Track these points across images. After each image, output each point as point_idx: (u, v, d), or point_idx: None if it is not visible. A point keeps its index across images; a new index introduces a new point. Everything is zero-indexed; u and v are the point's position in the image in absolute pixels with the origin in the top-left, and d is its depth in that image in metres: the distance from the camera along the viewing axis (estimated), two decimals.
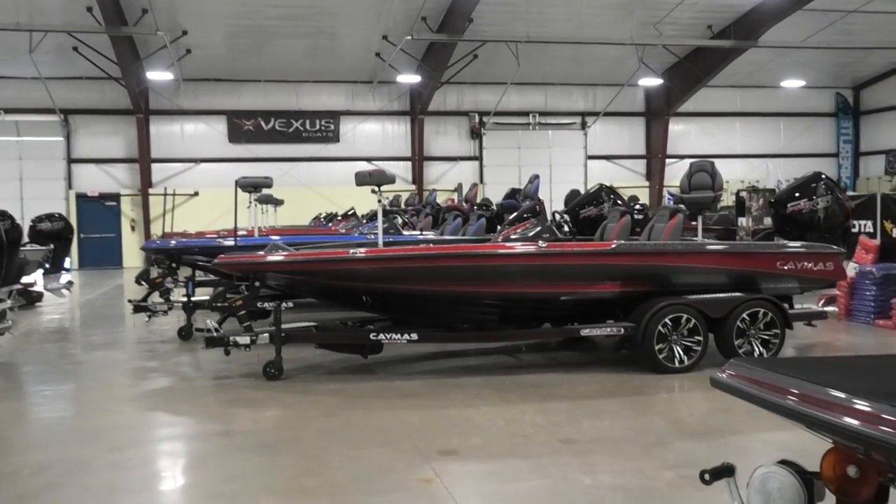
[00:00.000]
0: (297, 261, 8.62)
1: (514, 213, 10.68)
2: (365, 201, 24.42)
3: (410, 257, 8.64)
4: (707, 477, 2.95)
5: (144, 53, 24.27)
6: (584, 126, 30.59)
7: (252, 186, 11.81)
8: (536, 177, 14.19)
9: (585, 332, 8.90)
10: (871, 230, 12.35)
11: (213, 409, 7.84)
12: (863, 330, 11.55)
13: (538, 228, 9.57)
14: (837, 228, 10.40)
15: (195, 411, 7.78)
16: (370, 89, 28.46)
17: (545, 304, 9.29)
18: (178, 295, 12.61)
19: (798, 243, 9.53)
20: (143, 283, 12.14)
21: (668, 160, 30.99)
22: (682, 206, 10.12)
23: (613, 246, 8.95)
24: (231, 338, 8.74)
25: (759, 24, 24.64)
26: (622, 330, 8.81)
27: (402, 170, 28.85)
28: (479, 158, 29.76)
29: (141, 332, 12.51)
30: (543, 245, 8.77)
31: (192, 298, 11.59)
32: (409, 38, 22.94)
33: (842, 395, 2.34)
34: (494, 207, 16.51)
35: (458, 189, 24.94)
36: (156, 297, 12.17)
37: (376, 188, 9.15)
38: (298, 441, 6.60)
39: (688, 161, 31.22)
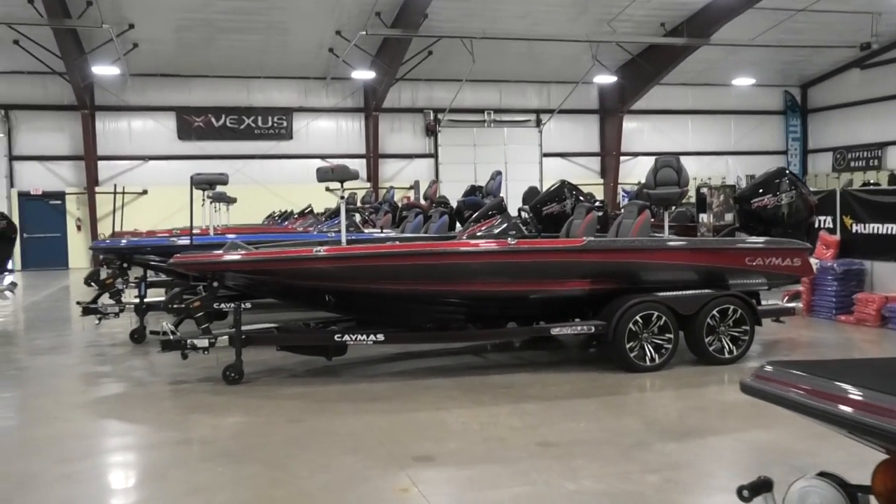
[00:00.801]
0: (259, 260, 8.28)
1: (479, 210, 10.46)
2: (319, 199, 24.22)
3: (376, 255, 8.36)
4: (746, 494, 2.71)
5: (89, 47, 23.49)
6: (538, 123, 30.52)
7: (207, 184, 11.41)
8: (499, 173, 14.00)
9: (556, 331, 8.72)
10: (831, 226, 12.41)
11: (170, 415, 7.47)
12: (825, 326, 11.59)
13: (504, 225, 9.36)
14: (801, 224, 10.39)
15: (151, 419, 7.39)
16: (323, 86, 27.99)
17: (513, 302, 9.09)
18: (130, 296, 12.15)
19: (763, 239, 9.48)
20: (92, 284, 11.63)
21: (622, 157, 31.09)
22: (646, 202, 9.99)
23: (584, 242, 8.77)
24: (188, 341, 8.37)
25: (712, 22, 24.81)
26: (593, 328, 8.64)
27: (357, 167, 28.19)
28: (434, 156, 29.48)
29: (91, 335, 12.00)
30: (513, 242, 8.56)
31: (145, 300, 11.16)
32: (364, 33, 22.58)
33: None
34: (453, 205, 16.32)
35: (415, 186, 24.67)
36: (106, 299, 11.67)
37: (339, 184, 8.86)
38: (264, 449, 6.28)
39: (642, 158, 31.71)
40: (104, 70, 24.28)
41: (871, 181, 25.17)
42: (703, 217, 13.98)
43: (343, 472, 5.67)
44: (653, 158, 32.63)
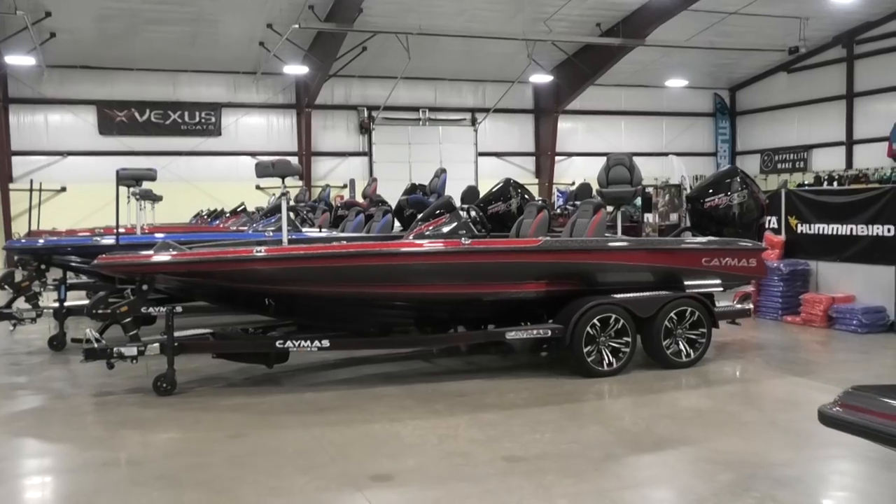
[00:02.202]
0: (193, 261, 7.65)
1: (426, 209, 9.98)
2: (249, 198, 23.38)
3: (322, 256, 7.83)
4: None
5: (2, 35, 22.16)
6: (474, 122, 30.25)
7: (133, 179, 10.65)
8: (443, 171, 13.56)
9: (511, 335, 8.30)
10: (776, 226, 12.34)
11: (96, 432, 6.78)
12: (772, 326, 11.49)
13: (454, 224, 8.92)
14: (753, 224, 10.21)
15: (75, 436, 6.69)
16: (254, 80, 27.10)
17: (465, 305, 8.67)
18: (48, 300, 11.29)
19: (719, 239, 9.27)
20: (5, 287, 10.75)
21: (556, 157, 31.03)
22: (600, 200, 9.68)
23: (541, 242, 8.40)
24: (115, 349, 7.69)
25: (647, 24, 24.88)
26: (549, 332, 8.27)
27: None
28: (368, 154, 28.90)
29: (4, 342, 11.09)
30: (466, 242, 8.13)
31: (65, 304, 10.35)
32: (296, 26, 21.84)
33: None
34: (391, 204, 15.82)
35: (350, 185, 24.05)
36: (21, 303, 10.78)
37: (279, 180, 8.28)
38: (204, 470, 5.70)
39: (576, 159, 31.67)
40: (18, 60, 22.94)
41: (807, 183, 25.61)
42: (649, 217, 13.81)
43: (294, 495, 5.15)
44: (585, 159, 32.77)
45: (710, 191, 10.17)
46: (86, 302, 12.69)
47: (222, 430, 6.66)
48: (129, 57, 24.94)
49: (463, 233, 8.74)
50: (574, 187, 28.60)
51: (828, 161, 29.71)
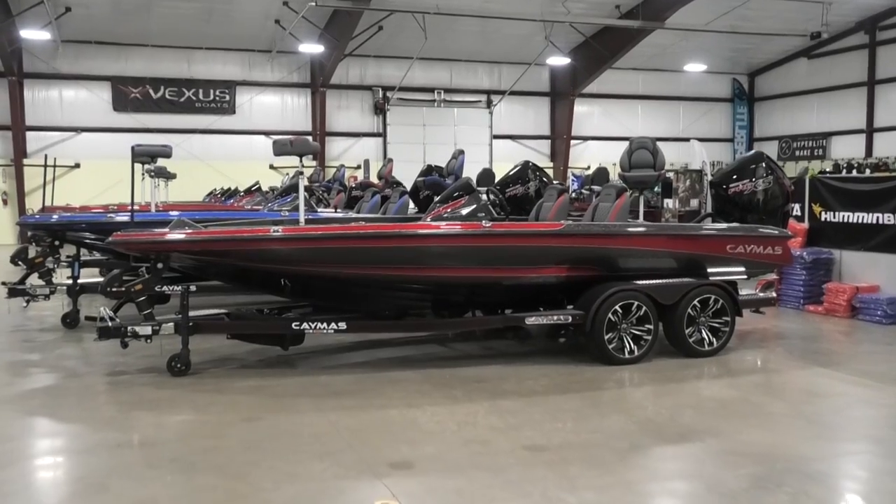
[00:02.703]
0: (210, 239, 7.51)
1: (445, 191, 9.80)
2: (261, 177, 23.23)
3: (340, 237, 7.67)
4: None
5: (17, 9, 22.03)
6: (489, 104, 29.98)
7: (149, 156, 10.51)
8: (461, 152, 13.34)
9: (531, 321, 8.14)
10: (799, 213, 12.11)
11: (109, 413, 6.67)
12: (794, 316, 11.29)
13: (472, 207, 8.75)
14: (777, 211, 9.98)
15: (88, 416, 6.58)
16: (268, 59, 26.90)
17: (483, 289, 8.52)
18: (62, 277, 11.19)
19: (745, 226, 9.06)
20: (19, 263, 10.64)
21: (572, 141, 30.74)
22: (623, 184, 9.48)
23: (563, 226, 8.22)
24: (129, 328, 7.57)
25: (667, 6, 24.50)
26: (570, 318, 8.10)
27: None
28: (382, 135, 28.70)
29: (18, 318, 11.01)
30: (487, 225, 7.95)
31: (79, 280, 10.25)
32: (313, 3, 21.59)
33: None
34: (405, 185, 15.64)
35: (365, 166, 23.88)
36: (35, 279, 10.69)
37: (298, 159, 8.12)
38: (219, 453, 5.57)
39: (591, 143, 31.39)
40: (33, 35, 22.84)
41: (827, 170, 25.27)
42: (669, 202, 13.59)
43: (313, 482, 5.02)
44: (601, 143, 32.61)
45: (735, 176, 9.93)
46: (99, 279, 12.63)
47: (237, 412, 6.54)
48: (143, 33, 24.79)
49: (482, 215, 8.59)
50: (590, 171, 28.49)
51: (847, 149, 29.32)
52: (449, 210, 8.87)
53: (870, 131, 28.64)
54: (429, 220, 8.69)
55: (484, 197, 9.65)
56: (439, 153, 27.91)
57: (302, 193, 8.31)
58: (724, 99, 33.49)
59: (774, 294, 10.26)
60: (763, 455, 5.46)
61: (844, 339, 9.95)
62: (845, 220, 11.54)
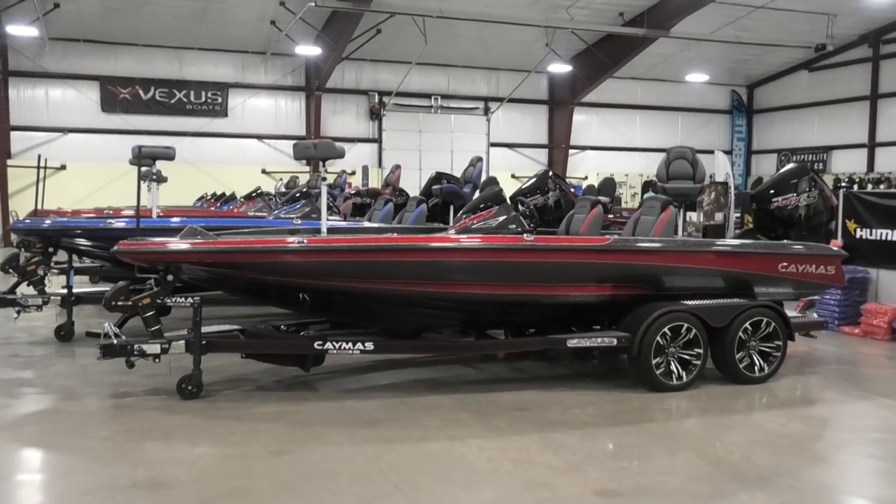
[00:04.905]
0: (230, 250, 6.83)
1: (473, 200, 9.21)
2: (254, 182, 22.53)
3: (375, 249, 7.01)
4: None
5: (2, 4, 21.21)
6: (486, 112, 29.42)
7: (151, 158, 9.80)
8: (479, 159, 12.73)
9: (573, 342, 7.50)
10: (832, 229, 11.58)
11: (118, 444, 5.95)
12: (830, 338, 10.69)
13: (503, 218, 8.16)
14: (822, 227, 9.47)
15: (94, 448, 5.86)
16: (262, 61, 26.20)
17: (516, 308, 7.88)
18: (56, 286, 10.44)
19: (799, 244, 8.50)
20: (10, 270, 9.90)
21: (570, 151, 30.23)
22: (666, 196, 8.88)
23: (610, 241, 7.61)
24: (136, 346, 6.87)
25: (673, 14, 24.07)
26: (615, 341, 7.48)
27: None
28: (378, 141, 28.05)
29: (7, 330, 10.22)
30: (530, 238, 7.32)
31: (74, 290, 9.52)
32: (312, 4, 20.94)
33: None
34: (409, 193, 15.03)
35: (364, 172, 23.21)
36: (26, 289, 9.94)
37: (323, 163, 7.48)
38: (249, 496, 4.90)
39: (589, 152, 30.93)
40: (20, 31, 21.99)
41: (843, 184, 24.91)
42: (692, 216, 12.99)
43: None
44: (599, 153, 32.23)
45: (777, 190, 9.40)
46: (92, 289, 11.89)
47: (261, 444, 5.86)
48: (134, 31, 24.03)
49: (513, 227, 8.00)
50: (587, 181, 28.00)
51: (848, 163, 29.02)
52: (478, 221, 8.28)
53: (871, 146, 28.35)
54: (452, 232, 8.09)
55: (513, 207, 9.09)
56: (436, 160, 27.35)
57: (325, 201, 7.66)
58: (722, 111, 33.14)
59: (815, 315, 9.71)
60: (854, 498, 4.86)
61: (895, 365, 9.37)
62: (883, 237, 11.01)
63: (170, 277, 7.11)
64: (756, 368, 7.91)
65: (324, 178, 7.68)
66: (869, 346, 10.20)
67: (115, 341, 6.87)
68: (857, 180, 27.00)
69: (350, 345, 7.13)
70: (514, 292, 7.47)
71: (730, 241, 8.50)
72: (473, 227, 8.19)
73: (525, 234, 7.39)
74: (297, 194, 13.62)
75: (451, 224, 9.59)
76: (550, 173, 11.99)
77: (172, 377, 7.16)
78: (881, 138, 28.07)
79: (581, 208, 9.16)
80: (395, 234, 8.00)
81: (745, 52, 29.04)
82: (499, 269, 7.31)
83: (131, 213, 11.74)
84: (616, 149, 31.19)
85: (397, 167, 15.36)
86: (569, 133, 29.98)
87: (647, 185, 30.63)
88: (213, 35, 24.66)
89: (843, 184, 26.78)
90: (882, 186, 25.54)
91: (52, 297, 9.64)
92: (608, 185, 19.70)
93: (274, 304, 8.67)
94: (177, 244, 6.89)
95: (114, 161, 22.97)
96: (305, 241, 6.95)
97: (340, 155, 7.58)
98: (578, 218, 9.05)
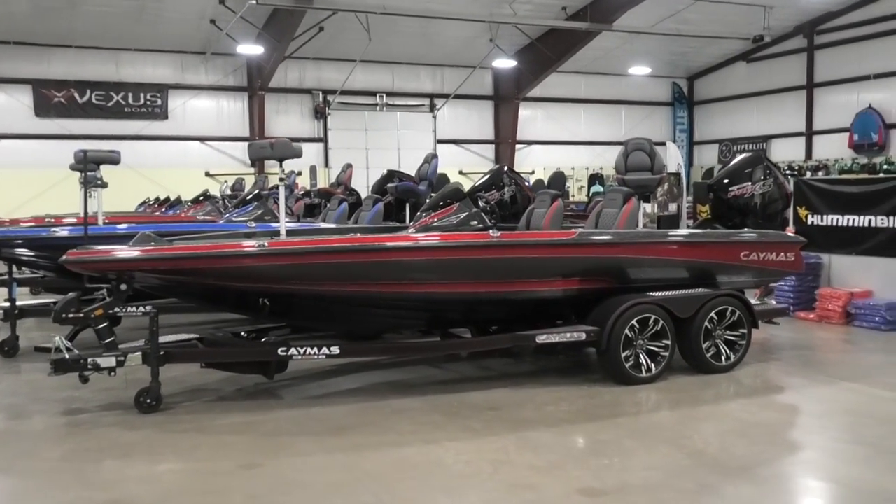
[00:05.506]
0: (187, 256, 6.55)
1: (433, 198, 9.02)
2: (197, 185, 21.96)
3: (341, 251, 6.80)
4: None
5: None
6: (432, 108, 29.23)
7: (97, 162, 9.41)
8: (434, 156, 12.57)
9: (542, 339, 7.39)
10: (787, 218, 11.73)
11: (75, 464, 5.63)
12: (786, 323, 10.71)
13: (464, 214, 8.00)
14: (777, 215, 9.54)
15: (50, 470, 5.53)
16: (202, 61, 25.55)
17: (482, 305, 7.75)
18: None
19: (757, 232, 8.54)
20: None
21: (516, 146, 30.23)
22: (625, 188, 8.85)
23: (576, 235, 7.53)
24: (90, 359, 6.55)
25: (615, 8, 24.17)
26: (584, 335, 7.40)
27: (240, 151, 26.26)
28: (323, 140, 27.63)
29: None
30: (496, 234, 7.20)
31: (17, 303, 9.09)
32: (253, 2, 20.49)
33: None
34: (359, 193, 14.81)
35: (312, 172, 22.75)
36: None
37: (280, 164, 7.25)
38: None
39: (535, 147, 30.97)
40: None
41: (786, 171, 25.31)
42: (647, 207, 13.03)
43: None
44: (545, 147, 32.22)
45: (734, 179, 9.44)
46: (35, 301, 11.42)
47: (229, 458, 5.62)
48: (67, 32, 23.17)
49: (475, 223, 7.85)
50: (534, 175, 28.03)
51: (787, 151, 29.55)
52: (438, 219, 8.11)
53: (809, 134, 28.91)
54: (413, 230, 7.92)
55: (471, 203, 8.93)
56: (383, 158, 27.04)
57: (283, 203, 7.44)
58: (664, 103, 33.50)
59: (774, 302, 9.81)
60: (849, 492, 4.84)
61: (854, 349, 9.48)
62: (834, 223, 11.18)
63: (123, 287, 6.79)
64: (723, 357, 7.93)
65: (282, 179, 7.43)
66: (825, 331, 10.35)
67: (66, 355, 6.56)
68: (797, 168, 27.51)
69: (315, 350, 6.92)
70: (482, 290, 7.35)
71: (694, 231, 8.51)
72: (434, 224, 8.02)
73: (491, 231, 7.27)
74: (249, 196, 13.24)
75: (409, 222, 9.41)
76: (505, 168, 11.87)
77: (129, 390, 6.86)
78: (818, 126, 28.64)
79: (541, 202, 9.09)
80: (358, 235, 7.76)
81: (683, 45, 29.37)
82: (467, 266, 7.17)
83: (74, 220, 11.33)
84: (561, 143, 31.27)
85: (349, 166, 15.11)
86: (515, 128, 29.96)
87: (593, 178, 31.03)
88: (151, 35, 23.95)
89: (787, 171, 27.32)
90: (821, 173, 26.10)
91: None
92: (558, 179, 19.71)
93: (231, 311, 8.39)
94: (131, 252, 6.59)
95: (48, 167, 22.16)
96: (266, 244, 6.72)
97: (298, 154, 7.36)
98: (539, 212, 8.98)
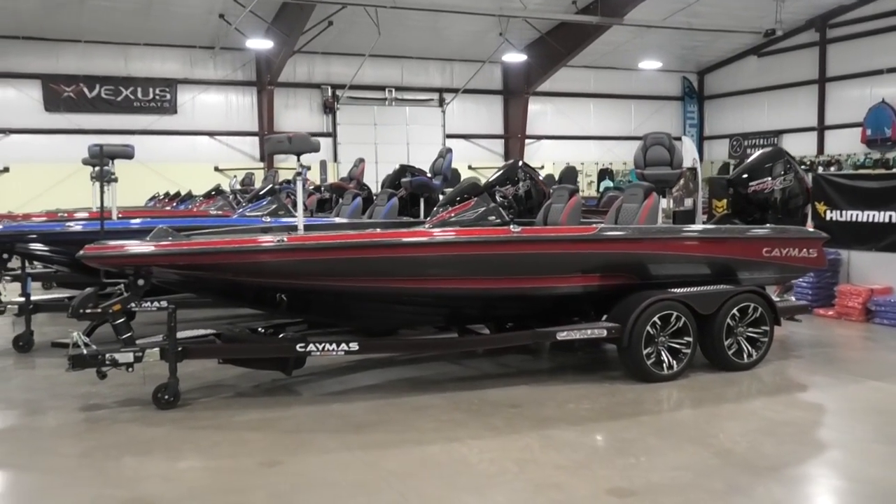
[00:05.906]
0: (208, 251, 6.48)
1: (450, 193, 8.96)
2: (206, 179, 21.89)
3: (362, 246, 6.73)
4: None
5: None
6: (441, 103, 29.14)
7: (111, 157, 9.34)
8: (449, 150, 12.47)
9: (563, 335, 7.30)
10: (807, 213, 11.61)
11: (96, 461, 5.57)
12: (806, 321, 10.51)
13: (482, 209, 7.92)
14: (798, 210, 9.42)
15: (71, 467, 5.48)
16: (211, 55, 25.51)
17: (502, 302, 7.66)
18: (10, 294, 9.93)
19: (779, 227, 8.44)
20: None
21: (526, 140, 30.13)
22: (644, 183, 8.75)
23: (596, 231, 7.44)
24: (108, 355, 6.49)
25: (626, 2, 24.06)
26: (605, 332, 7.32)
27: (249, 146, 26.25)
28: (332, 135, 27.56)
29: None
30: (516, 230, 7.11)
31: (32, 298, 9.04)
32: None
33: None
34: (371, 188, 14.74)
35: (322, 167, 22.73)
36: None
37: (298, 158, 7.18)
38: None
39: (545, 141, 30.86)
40: None
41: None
42: (662, 202, 12.92)
43: None
44: (555, 142, 32.12)
45: (753, 174, 9.34)
46: (50, 296, 11.38)
47: (250, 455, 5.55)
48: (76, 27, 23.16)
49: (493, 218, 7.77)
50: (543, 171, 27.92)
51: (799, 146, 29.33)
52: (455, 214, 8.03)
53: (821, 129, 28.76)
54: (429, 225, 7.84)
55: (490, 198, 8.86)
56: (392, 153, 27.01)
57: (301, 197, 7.36)
58: (674, 97, 33.37)
59: (793, 298, 9.70)
60: (878, 493, 4.75)
61: (876, 346, 9.33)
62: (854, 219, 11.05)
63: (141, 282, 6.72)
64: (745, 355, 7.83)
65: (299, 173, 7.35)
66: (845, 328, 10.23)
67: (84, 351, 6.49)
68: (809, 163, 27.35)
69: (334, 346, 6.85)
70: (502, 286, 7.27)
71: (716, 227, 8.41)
72: (452, 219, 7.93)
73: (511, 226, 7.18)
74: (262, 191, 13.18)
75: (424, 217, 9.34)
76: (520, 163, 11.77)
77: (146, 386, 6.80)
78: (830, 121, 28.48)
79: (559, 197, 8.99)
80: (377, 230, 7.70)
81: (694, 39, 29.23)
82: (487, 262, 7.09)
83: (86, 215, 11.28)
84: (571, 137, 31.17)
85: (361, 161, 15.03)
86: (524, 123, 29.86)
87: (602, 173, 30.93)
88: (160, 29, 23.91)
89: (802, 167, 27.13)
90: (833, 168, 25.94)
91: (7, 306, 9.15)
92: (570, 174, 19.67)
93: (248, 306, 8.33)
94: (149, 247, 6.52)
95: (58, 162, 22.22)
96: (286, 239, 6.65)
97: (316, 148, 7.30)
98: (556, 207, 8.89)
